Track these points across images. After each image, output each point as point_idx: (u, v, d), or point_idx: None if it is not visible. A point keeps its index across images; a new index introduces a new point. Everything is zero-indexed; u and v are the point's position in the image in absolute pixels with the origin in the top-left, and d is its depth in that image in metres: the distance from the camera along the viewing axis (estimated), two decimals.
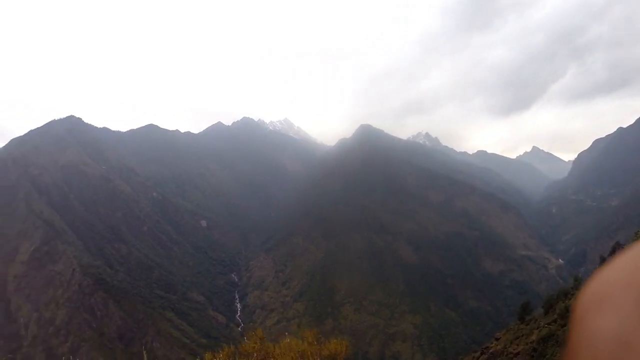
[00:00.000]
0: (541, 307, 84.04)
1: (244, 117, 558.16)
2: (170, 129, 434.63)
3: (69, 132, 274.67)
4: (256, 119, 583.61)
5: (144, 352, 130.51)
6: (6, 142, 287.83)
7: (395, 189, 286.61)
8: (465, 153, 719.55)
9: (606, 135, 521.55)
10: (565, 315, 59.50)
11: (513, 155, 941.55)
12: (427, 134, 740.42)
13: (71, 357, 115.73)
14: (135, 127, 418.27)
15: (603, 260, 77.57)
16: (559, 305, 66.78)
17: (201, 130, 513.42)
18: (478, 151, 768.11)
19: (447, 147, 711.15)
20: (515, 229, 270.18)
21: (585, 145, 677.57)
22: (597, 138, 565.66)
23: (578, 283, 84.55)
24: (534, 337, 59.33)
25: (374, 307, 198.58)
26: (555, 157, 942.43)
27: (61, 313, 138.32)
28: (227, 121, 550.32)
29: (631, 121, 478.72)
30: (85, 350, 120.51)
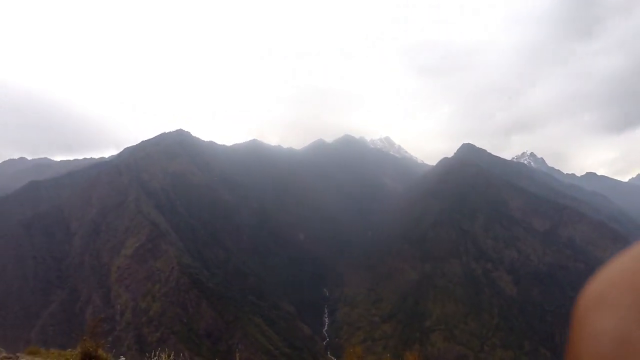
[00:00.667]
0: None
1: (346, 135, 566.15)
2: (273, 144, 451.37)
3: (178, 143, 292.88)
4: (357, 137, 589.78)
5: (237, 352, 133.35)
6: (120, 151, 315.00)
7: (497, 213, 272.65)
8: (572, 175, 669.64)
9: None
10: None
11: (625, 177, 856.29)
12: (532, 154, 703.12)
13: (164, 347, 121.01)
14: (239, 141, 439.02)
15: None
16: None
17: (303, 146, 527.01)
18: (587, 173, 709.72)
19: (553, 168, 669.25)
20: None
21: None
22: None
23: None
24: None
25: (465, 337, 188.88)
26: None
27: (156, 305, 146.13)
28: (329, 138, 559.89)
29: None
30: (173, 342, 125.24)
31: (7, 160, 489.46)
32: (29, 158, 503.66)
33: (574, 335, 1.05)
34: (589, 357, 1.06)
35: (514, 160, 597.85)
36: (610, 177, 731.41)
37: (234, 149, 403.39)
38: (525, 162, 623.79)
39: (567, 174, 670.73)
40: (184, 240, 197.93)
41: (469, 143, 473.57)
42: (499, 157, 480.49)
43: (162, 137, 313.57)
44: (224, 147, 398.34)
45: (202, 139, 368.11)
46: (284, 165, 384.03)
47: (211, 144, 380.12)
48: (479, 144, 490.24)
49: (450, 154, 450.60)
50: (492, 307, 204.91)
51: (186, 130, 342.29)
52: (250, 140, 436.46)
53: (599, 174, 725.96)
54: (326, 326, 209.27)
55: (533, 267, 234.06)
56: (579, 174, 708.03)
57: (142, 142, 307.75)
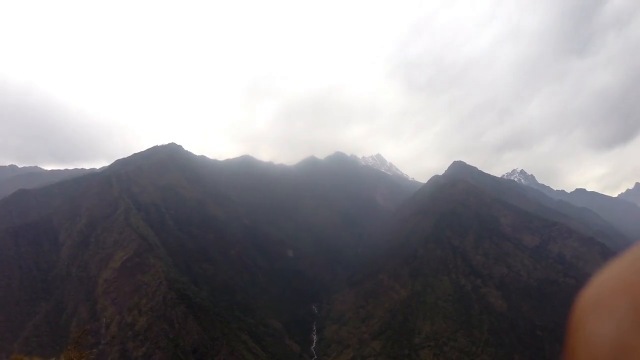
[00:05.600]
0: None
1: (337, 152, 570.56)
2: (265, 160, 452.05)
3: (169, 157, 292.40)
4: (349, 154, 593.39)
5: None
6: (111, 162, 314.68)
7: (487, 230, 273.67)
8: (562, 192, 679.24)
9: None
10: None
11: (614, 193, 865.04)
12: (522, 171, 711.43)
13: None
14: (231, 156, 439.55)
15: None
16: None
17: (295, 163, 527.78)
18: (576, 189, 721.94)
19: (543, 185, 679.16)
20: None
21: None
22: None
23: None
24: None
25: (455, 354, 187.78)
26: None
27: (142, 320, 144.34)
28: (321, 155, 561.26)
29: None
30: (159, 357, 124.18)
31: None
32: (19, 166, 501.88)
33: (570, 340, 1.05)
34: None
35: (505, 177, 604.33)
36: (599, 192, 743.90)
37: (226, 164, 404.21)
38: (516, 179, 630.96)
39: (557, 190, 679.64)
40: (172, 255, 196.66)
41: (459, 161, 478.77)
42: (490, 175, 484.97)
43: (154, 150, 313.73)
44: (215, 162, 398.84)
45: (194, 153, 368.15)
46: (275, 181, 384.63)
47: (203, 158, 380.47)
48: (469, 161, 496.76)
49: (441, 172, 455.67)
50: (481, 323, 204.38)
51: (178, 144, 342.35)
52: (242, 156, 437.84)
53: (588, 189, 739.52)
54: (314, 344, 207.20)
55: (523, 283, 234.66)
56: (568, 190, 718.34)
57: (134, 154, 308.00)
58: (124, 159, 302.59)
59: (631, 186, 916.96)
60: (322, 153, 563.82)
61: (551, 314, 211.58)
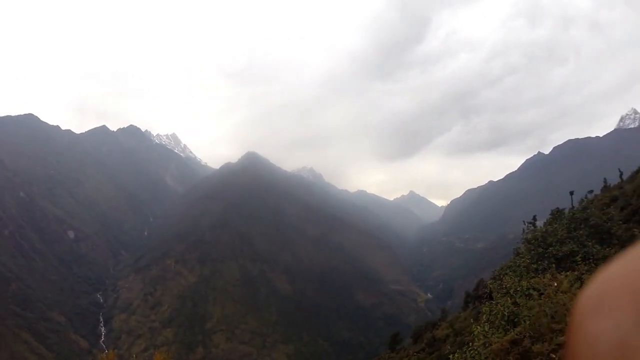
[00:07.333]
0: (410, 337, 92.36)
1: (131, 125, 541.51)
2: (51, 124, 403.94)
3: None
4: (143, 129, 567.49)
5: None
6: None
7: (274, 219, 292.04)
8: (346, 191, 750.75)
9: (478, 187, 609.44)
10: (433, 344, 65.66)
11: (391, 197, 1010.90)
12: (311, 169, 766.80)
13: None
14: (12, 113, 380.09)
15: (468, 295, 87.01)
16: (427, 335, 73.85)
17: (84, 131, 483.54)
18: (358, 190, 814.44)
19: (329, 184, 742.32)
20: (389, 266, 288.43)
21: (458, 193, 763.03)
22: (469, 188, 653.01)
23: (444, 315, 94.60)
24: None
25: (247, 335, 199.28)
26: (430, 202, 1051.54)
27: None
28: (113, 126, 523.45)
29: (501, 176, 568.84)
30: None
31: None
32: None
33: (571, 340, 1.04)
34: None
35: (294, 172, 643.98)
36: (378, 195, 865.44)
37: (5, 121, 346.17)
38: (305, 175, 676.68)
39: (341, 189, 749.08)
40: None
41: (253, 152, 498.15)
42: (281, 168, 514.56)
43: None
44: None
45: None
46: (58, 149, 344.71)
47: None
48: (264, 153, 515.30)
49: (235, 160, 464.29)
50: (269, 305, 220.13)
51: None
52: (25, 114, 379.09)
53: (369, 192, 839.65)
54: (103, 337, 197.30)
55: (306, 268, 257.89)
56: (351, 190, 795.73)
57: None
58: None
59: (406, 193, 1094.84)
60: (115, 124, 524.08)
61: (333, 295, 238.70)
